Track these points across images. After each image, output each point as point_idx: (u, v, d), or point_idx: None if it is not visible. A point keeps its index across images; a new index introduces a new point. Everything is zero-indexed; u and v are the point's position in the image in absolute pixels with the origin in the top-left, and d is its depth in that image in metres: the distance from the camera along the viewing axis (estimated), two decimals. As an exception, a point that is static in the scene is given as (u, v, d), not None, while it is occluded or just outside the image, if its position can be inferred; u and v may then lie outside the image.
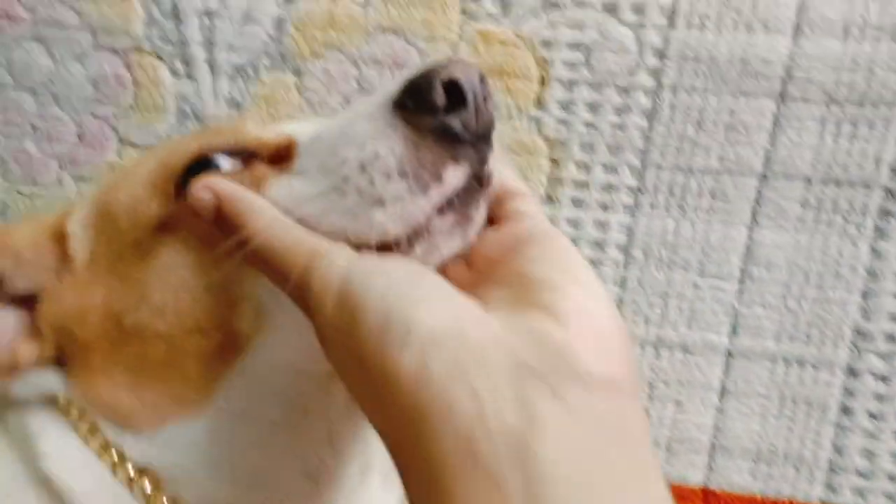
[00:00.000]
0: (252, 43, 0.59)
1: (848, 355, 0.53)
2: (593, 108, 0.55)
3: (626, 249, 0.55)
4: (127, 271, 0.38)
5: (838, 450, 0.54)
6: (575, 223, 0.56)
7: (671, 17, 0.52)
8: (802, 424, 0.54)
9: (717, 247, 0.54)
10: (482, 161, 0.31)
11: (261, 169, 0.34)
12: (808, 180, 0.53)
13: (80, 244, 0.41)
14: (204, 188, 0.32)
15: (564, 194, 0.55)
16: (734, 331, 0.54)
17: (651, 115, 0.54)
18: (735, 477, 0.55)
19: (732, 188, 0.54)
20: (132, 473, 0.38)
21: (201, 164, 0.36)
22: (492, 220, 0.32)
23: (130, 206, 0.38)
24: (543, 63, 0.55)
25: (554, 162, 0.56)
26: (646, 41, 0.53)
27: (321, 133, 0.33)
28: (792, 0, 0.51)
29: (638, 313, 0.55)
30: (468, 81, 0.29)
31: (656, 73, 0.53)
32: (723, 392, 0.55)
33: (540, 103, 0.55)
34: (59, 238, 0.41)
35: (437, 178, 0.29)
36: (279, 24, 0.58)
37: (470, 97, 0.29)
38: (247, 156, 0.36)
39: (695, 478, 0.55)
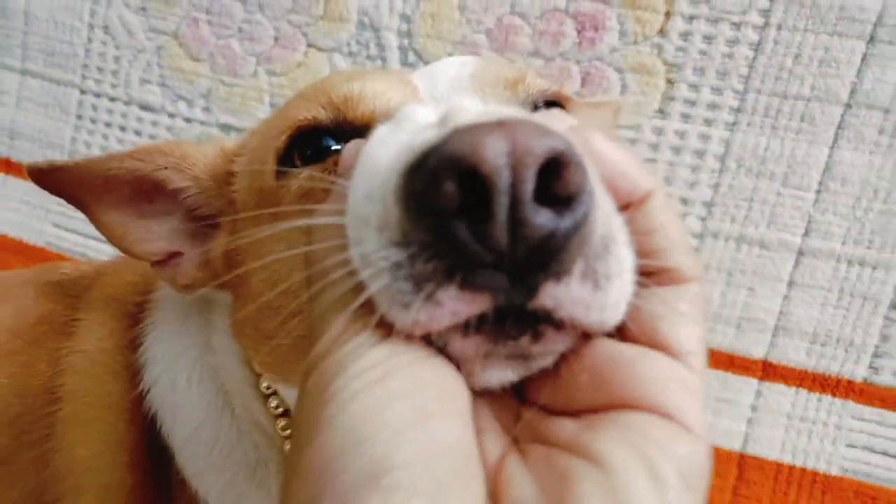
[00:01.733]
0: (426, -31, 0.73)
1: (902, 261, 0.65)
2: (708, 38, 0.67)
3: (722, 159, 0.68)
4: (259, 234, 0.39)
5: (884, 338, 0.66)
6: (681, 134, 0.69)
7: (784, -34, 0.64)
8: (855, 315, 0.66)
9: (801, 162, 0.66)
10: (528, 292, 0.22)
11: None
12: (886, 111, 0.64)
13: (240, 188, 0.45)
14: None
15: (675, 109, 0.68)
16: (807, 233, 0.67)
17: (757, 48, 0.66)
18: (792, 354, 0.68)
19: (820, 114, 0.65)
20: (265, 389, 0.47)
21: (306, 136, 0.36)
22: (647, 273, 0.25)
23: (260, 170, 0.40)
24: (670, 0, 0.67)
25: (669, 82, 0.68)
26: (759, -14, 0.65)
27: (371, 155, 0.26)
28: (889, -43, 0.62)
29: (726, 213, 0.68)
30: (503, 168, 0.21)
31: (765, 13, 0.65)
32: (790, 283, 0.67)
33: (663, 32, 0.68)
34: (229, 177, 0.45)
35: (429, 298, 0.22)
36: (451, -45, 0.72)
37: (499, 199, 0.21)
38: (353, 135, 0.33)
39: (757, 352, 0.68)
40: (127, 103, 0.87)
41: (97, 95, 0.88)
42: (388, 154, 0.25)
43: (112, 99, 0.88)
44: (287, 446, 0.47)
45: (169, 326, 0.52)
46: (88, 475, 0.48)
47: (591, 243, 0.23)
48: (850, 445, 0.67)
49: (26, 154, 0.91)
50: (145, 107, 0.87)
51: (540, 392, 0.26)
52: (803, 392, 0.68)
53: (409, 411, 0.22)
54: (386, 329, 0.23)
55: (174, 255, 0.48)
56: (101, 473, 0.48)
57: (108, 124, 0.89)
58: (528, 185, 0.21)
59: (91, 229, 0.89)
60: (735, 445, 0.69)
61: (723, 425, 0.69)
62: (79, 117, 0.89)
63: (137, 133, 0.87)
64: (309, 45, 0.79)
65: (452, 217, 0.21)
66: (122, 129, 0.88)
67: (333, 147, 0.35)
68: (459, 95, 0.36)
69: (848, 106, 0.65)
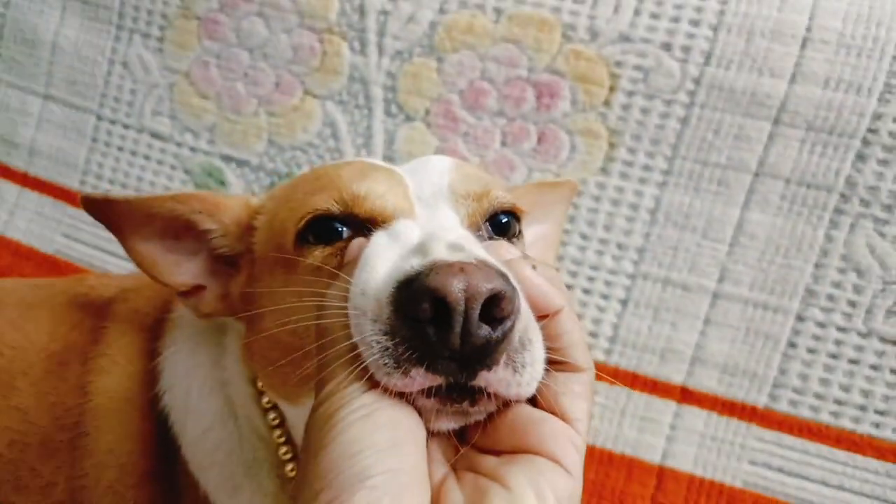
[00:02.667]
0: (411, 35, 0.86)
1: (798, 306, 0.78)
2: (644, 111, 0.80)
3: (653, 213, 0.81)
4: (273, 283, 0.48)
5: (782, 371, 0.78)
6: (620, 190, 0.81)
7: (707, 57, 0.78)
8: (759, 351, 0.79)
9: (718, 219, 0.79)
10: (469, 377, 0.34)
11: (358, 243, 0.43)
12: (788, 181, 0.78)
13: (258, 241, 0.52)
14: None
15: (615, 169, 0.81)
16: (721, 279, 0.80)
17: (684, 122, 0.79)
18: (706, 381, 0.80)
19: (734, 180, 0.79)
20: (265, 404, 0.56)
21: (320, 222, 0.45)
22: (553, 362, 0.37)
23: (279, 235, 0.49)
24: (614, 77, 0.81)
25: (611, 145, 0.81)
26: (687, 72, 0.79)
27: (367, 260, 0.39)
28: (792, 55, 0.76)
29: (654, 258, 0.81)
30: (461, 300, 0.32)
31: (691, 94, 0.79)
32: (706, 321, 0.80)
33: (607, 104, 0.81)
34: (250, 229, 0.53)
35: (405, 372, 0.33)
36: (433, 25, 0.86)
37: (456, 318, 0.32)
38: (358, 225, 0.45)
39: (677, 378, 0.81)
40: (139, 131, 0.99)
41: (112, 122, 0.99)
42: (383, 265, 0.37)
43: (126, 126, 0.99)
44: (281, 451, 0.58)
45: (186, 343, 0.61)
46: (110, 456, 0.58)
47: (513, 343, 0.35)
48: (752, 462, 0.79)
49: (43, 170, 1.02)
50: (155, 135, 0.98)
51: (474, 436, 0.38)
52: (714, 415, 0.80)
53: (386, 438, 0.32)
54: (374, 382, 0.35)
55: (198, 287, 0.57)
56: (120, 456, 0.58)
57: (120, 148, 1.00)
58: (476, 311, 0.33)
59: (97, 241, 1.01)
60: (655, 458, 0.81)
61: (645, 440, 0.81)
62: (94, 140, 1.00)
63: (146, 158, 0.99)
64: (305, 92, 0.91)
65: (426, 324, 0.33)
66: (133, 153, 0.99)
67: (341, 230, 0.46)
68: (439, 203, 0.47)
69: (756, 175, 0.78)
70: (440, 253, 0.35)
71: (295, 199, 0.49)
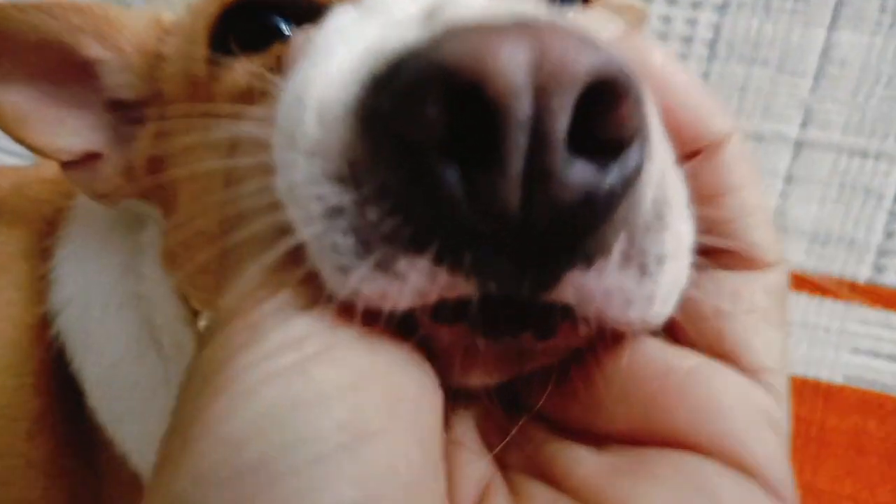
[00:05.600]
0: None
1: (906, 149, 0.64)
2: (694, -87, 0.65)
3: (711, 45, 0.67)
4: (187, 135, 0.35)
5: (889, 235, 0.67)
6: (666, 19, 0.67)
7: None
8: (858, 211, 0.67)
9: (797, 46, 0.66)
10: (542, 283, 0.17)
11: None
12: (887, -15, 0.62)
13: (169, 74, 0.40)
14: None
15: (660, -8, 0.66)
16: (804, 123, 0.67)
17: (747, -80, 0.64)
18: (791, 255, 0.67)
19: (816, -8, 0.63)
20: (203, 329, 0.44)
21: (242, 11, 0.33)
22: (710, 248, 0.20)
23: (189, 52, 0.36)
24: None
25: (653, -38, 0.66)
26: None
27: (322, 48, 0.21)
28: None
29: (717, 104, 0.66)
30: (526, 94, 0.15)
31: None
32: (788, 179, 0.68)
33: None
34: (159, 58, 0.40)
35: (381, 266, 0.17)
36: None
37: (514, 138, 0.15)
38: (307, 13, 0.30)
39: (754, 255, 0.67)
40: None
41: None
42: (344, 53, 0.19)
43: None
44: None
45: (86, 241, 0.48)
46: None
47: (640, 211, 0.17)
48: (855, 351, 0.69)
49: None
50: None
51: (540, 399, 0.20)
52: (804, 296, 0.69)
53: (342, 422, 0.15)
54: (318, 289, 0.17)
55: (91, 156, 0.43)
56: (2, 394, 0.46)
57: None
58: (561, 119, 0.14)
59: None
60: (731, 357, 0.68)
61: (717, 336, 0.68)
62: None
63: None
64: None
65: (436, 154, 0.15)
66: None
67: (278, 23, 0.31)
68: None
69: (846, -19, 0.63)
70: (468, 14, 0.17)
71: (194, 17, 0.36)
